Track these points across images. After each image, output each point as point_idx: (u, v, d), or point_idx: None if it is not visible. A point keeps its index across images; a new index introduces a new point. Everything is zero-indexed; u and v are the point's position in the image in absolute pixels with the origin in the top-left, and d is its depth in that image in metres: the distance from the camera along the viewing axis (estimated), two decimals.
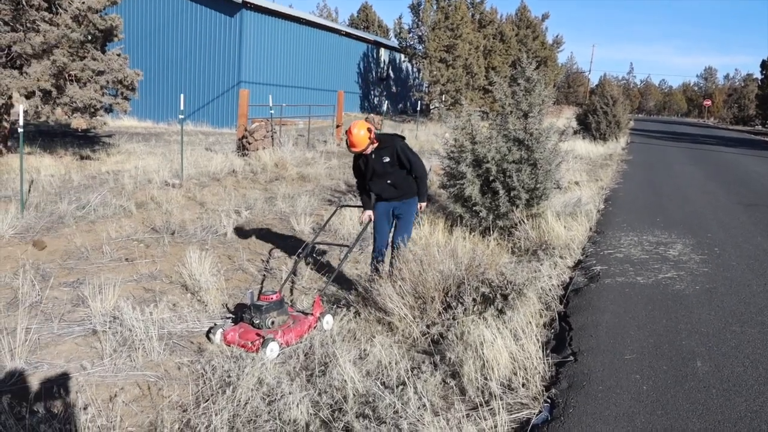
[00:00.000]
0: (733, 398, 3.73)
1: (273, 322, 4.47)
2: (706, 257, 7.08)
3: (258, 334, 4.34)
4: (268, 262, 6.50)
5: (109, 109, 12.80)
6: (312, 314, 4.72)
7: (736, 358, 4.33)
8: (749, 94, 74.16)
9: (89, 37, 11.73)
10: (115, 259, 6.20)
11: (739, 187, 13.65)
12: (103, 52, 12.25)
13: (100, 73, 11.72)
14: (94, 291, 4.84)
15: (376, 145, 5.30)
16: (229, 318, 4.94)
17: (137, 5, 24.43)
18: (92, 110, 11.80)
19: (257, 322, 4.44)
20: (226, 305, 5.19)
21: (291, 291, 5.68)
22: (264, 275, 6.11)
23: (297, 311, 4.90)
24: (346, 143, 5.25)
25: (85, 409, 3.39)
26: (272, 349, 4.20)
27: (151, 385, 3.79)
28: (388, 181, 5.42)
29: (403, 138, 5.56)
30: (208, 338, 4.51)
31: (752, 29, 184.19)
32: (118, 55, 12.29)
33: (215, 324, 4.65)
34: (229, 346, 4.36)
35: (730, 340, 4.65)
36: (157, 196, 9.04)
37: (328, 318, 4.76)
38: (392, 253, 5.40)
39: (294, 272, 5.73)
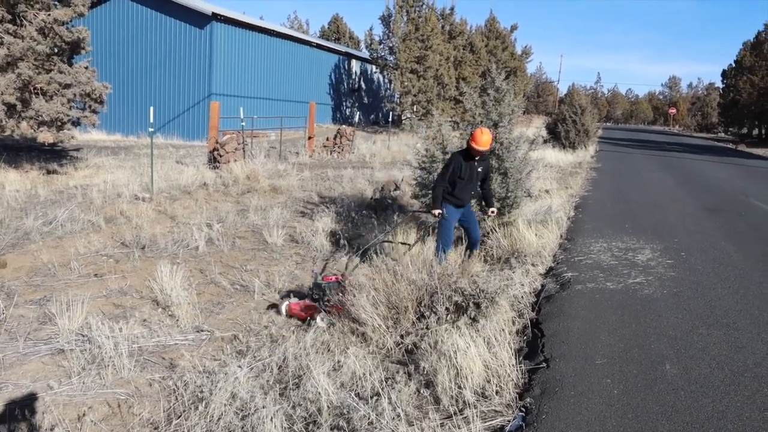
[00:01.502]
0: (701, 399, 3.81)
1: (329, 300, 5.09)
2: (673, 262, 7.23)
3: (315, 308, 5.16)
4: (241, 275, 6.45)
5: (76, 123, 12.60)
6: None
7: (703, 360, 4.43)
8: (712, 102, 76.37)
9: (55, 50, 11.56)
10: (83, 275, 6.09)
11: (703, 193, 13.99)
12: (70, 64, 12.09)
13: (67, 86, 11.56)
14: (62, 308, 4.74)
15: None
16: (291, 294, 5.74)
17: (105, 17, 24.16)
18: (59, 124, 11.61)
19: (317, 298, 5.24)
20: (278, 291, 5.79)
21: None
22: (237, 288, 6.06)
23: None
24: (472, 144, 6.13)
25: (52, 430, 3.32)
26: (322, 318, 5.01)
27: (121, 402, 3.73)
28: (471, 191, 6.45)
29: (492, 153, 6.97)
30: (277, 310, 5.38)
31: (714, 38, 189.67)
32: (86, 67, 12.13)
33: (281, 299, 5.59)
34: (291, 317, 5.27)
35: (697, 343, 4.75)
36: (126, 210, 8.92)
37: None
38: (472, 251, 6.61)
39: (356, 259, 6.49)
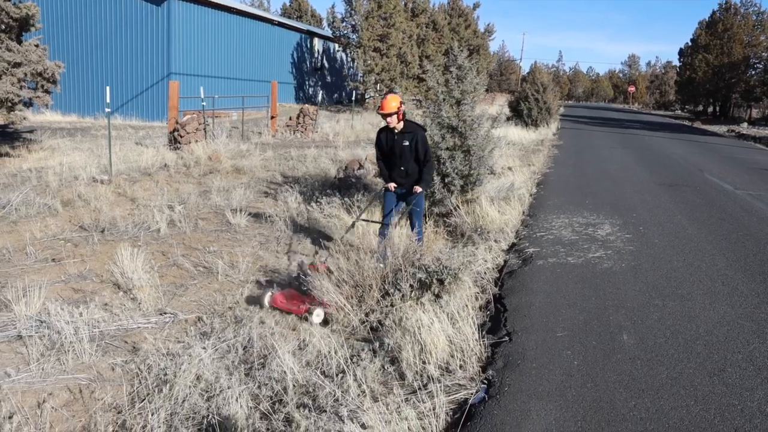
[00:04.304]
0: (656, 368, 3.94)
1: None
2: (631, 236, 7.42)
3: (304, 301, 4.84)
4: (204, 257, 6.37)
5: (28, 104, 12.17)
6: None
7: (659, 329, 4.58)
8: (669, 80, 77.98)
9: (2, 27, 11.10)
10: (40, 260, 5.93)
11: (661, 168, 14.34)
12: (20, 42, 11.63)
13: (17, 65, 11.14)
14: (18, 294, 4.62)
15: (401, 123, 5.96)
16: (271, 283, 5.46)
17: None
18: (9, 104, 11.20)
19: (305, 288, 4.88)
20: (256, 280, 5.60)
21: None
22: (200, 270, 5.99)
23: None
24: (379, 108, 5.96)
25: (10, 418, 3.25)
26: (318, 315, 4.66)
27: (83, 388, 3.67)
28: (402, 168, 6.03)
29: (425, 129, 6.35)
30: (259, 305, 4.93)
31: (672, 18, 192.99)
32: (36, 45, 11.69)
33: (261, 286, 5.32)
34: (275, 309, 4.88)
35: (653, 314, 4.90)
36: (84, 193, 8.69)
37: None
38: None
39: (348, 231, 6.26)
